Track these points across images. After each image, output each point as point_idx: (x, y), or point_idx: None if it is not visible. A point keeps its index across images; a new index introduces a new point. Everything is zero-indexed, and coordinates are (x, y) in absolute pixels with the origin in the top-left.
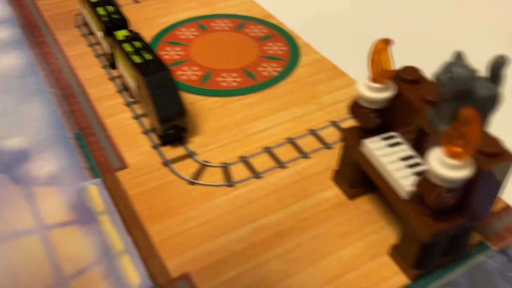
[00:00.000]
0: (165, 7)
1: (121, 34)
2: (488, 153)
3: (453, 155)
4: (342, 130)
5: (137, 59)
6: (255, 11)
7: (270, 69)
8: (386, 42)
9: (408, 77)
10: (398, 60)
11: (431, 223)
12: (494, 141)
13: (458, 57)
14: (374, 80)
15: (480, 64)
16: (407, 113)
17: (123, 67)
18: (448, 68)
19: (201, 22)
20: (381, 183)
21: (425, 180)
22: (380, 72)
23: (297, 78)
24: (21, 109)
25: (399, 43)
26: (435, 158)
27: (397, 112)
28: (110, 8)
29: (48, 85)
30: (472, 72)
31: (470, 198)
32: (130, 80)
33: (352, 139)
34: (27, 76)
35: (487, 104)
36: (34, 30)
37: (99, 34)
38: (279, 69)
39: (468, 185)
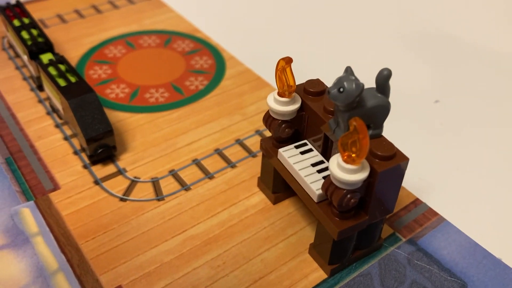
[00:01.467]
0: (92, 26)
1: (46, 57)
2: (382, 156)
3: (348, 160)
4: (261, 140)
5: (62, 82)
6: (182, 26)
7: (197, 83)
8: (287, 60)
9: (312, 90)
10: (311, 72)
11: (338, 222)
12: (388, 145)
13: (348, 72)
14: (281, 94)
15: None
16: (314, 123)
17: (49, 90)
18: (338, 82)
19: (129, 40)
20: (297, 187)
21: (329, 184)
22: (284, 87)
23: (223, 90)
24: None
25: (318, 53)
26: (335, 163)
27: (306, 122)
28: (34, 32)
29: None
30: (359, 85)
31: (370, 197)
32: (57, 102)
33: (269, 148)
34: None
35: (378, 112)
36: None
37: (25, 57)
38: (205, 82)
39: (367, 186)
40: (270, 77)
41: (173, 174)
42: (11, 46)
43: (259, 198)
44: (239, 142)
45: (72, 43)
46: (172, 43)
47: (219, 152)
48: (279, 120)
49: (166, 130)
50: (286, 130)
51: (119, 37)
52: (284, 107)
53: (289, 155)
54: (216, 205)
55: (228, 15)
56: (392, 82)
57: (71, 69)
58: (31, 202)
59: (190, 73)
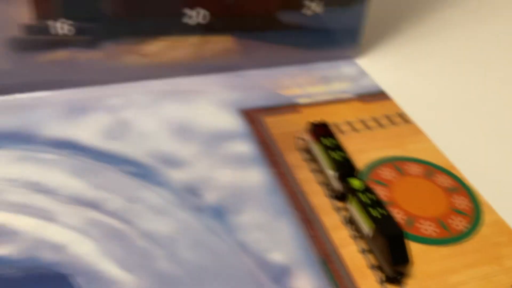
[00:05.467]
0: (364, 142)
1: (355, 183)
2: None
3: None
4: None
5: (373, 212)
6: (438, 159)
7: (458, 223)
8: None
9: None
10: None
11: None
12: None
13: None
14: None
15: None
16: None
17: (357, 211)
18: None
19: (396, 164)
20: None
21: None
22: None
23: (481, 238)
24: (274, 226)
25: None
26: None
27: None
28: (342, 154)
29: (290, 206)
30: None
31: None
32: (364, 225)
33: None
34: (273, 194)
35: None
36: (267, 148)
37: (330, 172)
38: (465, 224)
39: None
40: None
41: None
42: (307, 151)
43: None
44: None
45: (352, 156)
46: (433, 175)
47: None
48: None
49: (436, 267)
50: None
51: (388, 159)
52: None
53: None
54: None
55: (489, 156)
56: None
57: (378, 201)
58: None
59: (451, 211)
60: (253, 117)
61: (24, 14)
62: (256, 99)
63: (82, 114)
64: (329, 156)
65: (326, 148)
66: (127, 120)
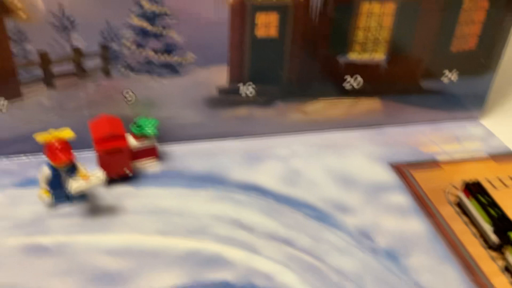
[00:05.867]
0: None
1: None
2: None
3: None
4: None
5: None
6: None
7: None
8: None
9: None
10: None
11: None
12: None
13: None
14: None
15: None
16: None
17: None
18: None
19: None
20: None
21: None
22: None
23: None
24: (440, 269)
25: None
26: None
27: None
28: (497, 210)
29: (451, 253)
30: None
31: None
32: None
33: None
34: (434, 242)
35: None
36: (420, 200)
37: (487, 226)
38: None
39: None
40: None
41: None
42: (459, 205)
43: None
44: None
45: None
46: None
47: None
48: None
49: None
50: None
51: None
52: None
53: None
54: None
55: None
56: None
57: None
58: None
59: None
60: (402, 171)
61: (222, 79)
62: (400, 154)
63: (258, 161)
64: (485, 212)
65: (482, 205)
66: (296, 169)
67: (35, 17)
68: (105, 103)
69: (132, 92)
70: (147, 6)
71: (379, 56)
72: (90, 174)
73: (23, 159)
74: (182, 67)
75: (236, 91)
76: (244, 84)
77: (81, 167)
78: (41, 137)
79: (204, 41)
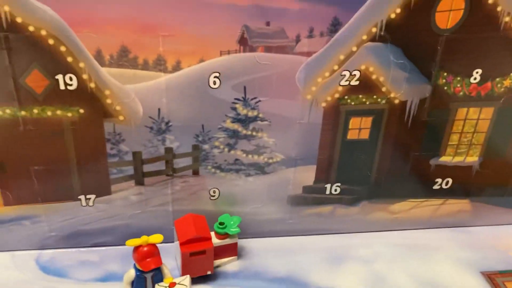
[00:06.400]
0: None
1: None
2: None
3: None
4: None
5: None
6: None
7: None
8: None
9: None
10: None
11: None
12: None
13: None
14: None
15: None
16: None
17: None
18: None
19: None
20: None
21: None
22: None
23: None
24: None
25: None
26: None
27: None
28: None
29: None
30: None
31: None
32: None
33: None
34: None
35: None
36: None
37: None
38: None
39: None
40: None
41: None
42: None
43: None
44: None
45: None
46: None
47: None
48: None
49: None
50: None
51: None
52: None
53: None
54: None
55: None
56: None
57: None
58: None
59: None
60: (494, 281)
61: (308, 179)
62: (489, 259)
63: (339, 261)
64: None
65: None
66: (379, 272)
67: (133, 120)
68: (189, 199)
69: (217, 189)
70: (243, 111)
71: (472, 158)
72: (177, 282)
73: (104, 250)
74: (269, 165)
75: (322, 191)
76: (331, 184)
77: (168, 273)
78: (131, 243)
79: (294, 142)
